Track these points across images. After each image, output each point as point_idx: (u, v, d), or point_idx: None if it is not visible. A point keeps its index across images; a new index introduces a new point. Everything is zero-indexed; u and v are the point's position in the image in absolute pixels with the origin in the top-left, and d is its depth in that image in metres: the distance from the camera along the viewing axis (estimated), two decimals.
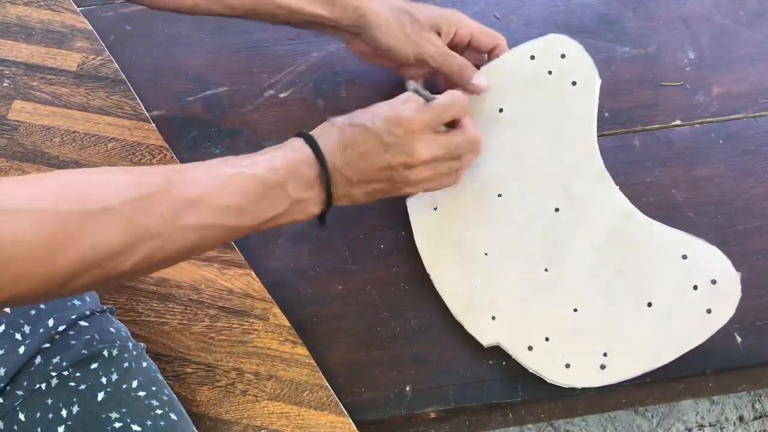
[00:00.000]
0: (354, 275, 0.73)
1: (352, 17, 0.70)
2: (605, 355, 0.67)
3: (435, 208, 0.73)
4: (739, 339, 0.70)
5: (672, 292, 0.67)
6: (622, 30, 0.87)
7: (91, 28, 0.87)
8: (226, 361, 0.69)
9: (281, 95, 0.84)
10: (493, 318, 0.69)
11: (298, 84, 0.85)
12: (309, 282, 0.74)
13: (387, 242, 0.75)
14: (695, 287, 0.66)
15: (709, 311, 0.66)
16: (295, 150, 0.60)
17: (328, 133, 0.61)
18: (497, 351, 0.69)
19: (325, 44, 0.87)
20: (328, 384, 0.67)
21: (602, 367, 0.67)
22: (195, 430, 0.62)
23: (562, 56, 0.72)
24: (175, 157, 0.79)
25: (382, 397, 0.68)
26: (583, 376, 0.67)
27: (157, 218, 0.51)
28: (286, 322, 0.70)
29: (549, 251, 0.70)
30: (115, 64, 0.85)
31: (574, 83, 0.71)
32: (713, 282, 0.66)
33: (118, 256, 0.49)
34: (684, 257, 0.67)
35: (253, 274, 0.73)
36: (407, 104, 0.63)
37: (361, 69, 0.85)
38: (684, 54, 0.85)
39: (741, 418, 1.22)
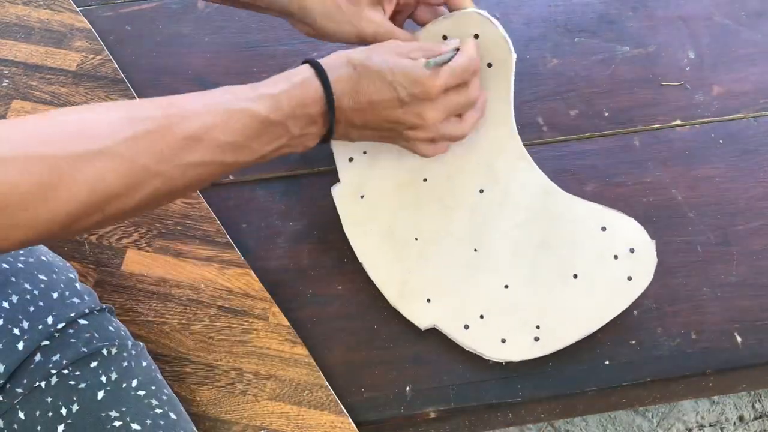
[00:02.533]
0: (354, 275, 0.73)
1: (283, 2, 0.68)
2: (538, 327, 0.68)
3: (362, 196, 0.73)
4: (739, 339, 0.70)
5: (595, 263, 0.68)
6: (622, 30, 0.87)
7: (91, 27, 0.87)
8: (225, 361, 0.69)
9: None
10: (428, 301, 0.70)
11: None
12: (309, 282, 0.73)
13: None
14: (615, 257, 0.68)
15: (630, 278, 0.67)
16: (304, 86, 0.59)
17: (343, 72, 0.60)
18: None
19: (325, 44, 0.87)
20: (327, 384, 0.67)
21: (536, 339, 0.68)
22: (195, 429, 0.62)
23: (476, 37, 0.67)
24: None
25: (382, 397, 0.68)
26: (519, 349, 0.68)
27: (157, 157, 0.50)
28: (286, 322, 0.70)
29: (477, 232, 0.71)
30: (115, 63, 0.85)
31: (489, 65, 0.69)
32: (632, 251, 0.67)
33: (119, 198, 0.49)
34: (603, 229, 0.69)
35: (252, 273, 0.72)
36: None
37: None
38: (684, 54, 0.85)
39: (741, 418, 1.21)
